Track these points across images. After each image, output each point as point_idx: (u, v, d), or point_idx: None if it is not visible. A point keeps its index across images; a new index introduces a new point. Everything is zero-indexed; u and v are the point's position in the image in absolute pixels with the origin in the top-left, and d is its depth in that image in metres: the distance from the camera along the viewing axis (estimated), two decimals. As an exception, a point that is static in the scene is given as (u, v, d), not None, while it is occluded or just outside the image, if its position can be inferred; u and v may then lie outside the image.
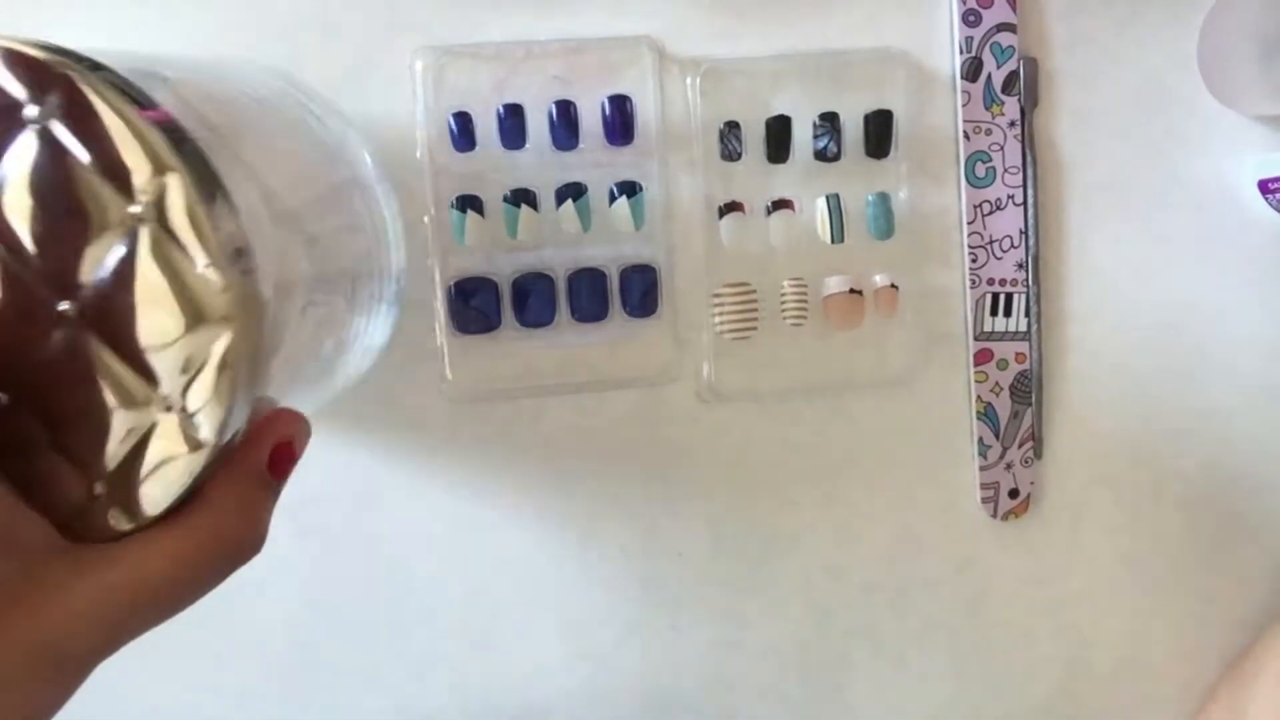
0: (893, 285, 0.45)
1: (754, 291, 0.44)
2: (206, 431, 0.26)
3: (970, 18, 0.45)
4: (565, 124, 0.42)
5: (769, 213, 0.44)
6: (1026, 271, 0.46)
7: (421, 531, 0.45)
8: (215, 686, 0.44)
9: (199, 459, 0.26)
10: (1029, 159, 0.45)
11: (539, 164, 0.43)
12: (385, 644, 0.45)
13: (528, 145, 0.42)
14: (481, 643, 0.45)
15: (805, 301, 0.45)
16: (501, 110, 0.42)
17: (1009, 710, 0.49)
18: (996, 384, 0.46)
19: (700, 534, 0.46)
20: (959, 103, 0.45)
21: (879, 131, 0.44)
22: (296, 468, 0.30)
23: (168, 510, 0.27)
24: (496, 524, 0.45)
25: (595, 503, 0.45)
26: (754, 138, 0.44)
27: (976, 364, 0.46)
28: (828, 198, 0.44)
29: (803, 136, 0.44)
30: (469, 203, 0.42)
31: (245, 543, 0.29)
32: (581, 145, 0.43)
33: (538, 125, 0.42)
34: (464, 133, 0.42)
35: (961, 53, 0.45)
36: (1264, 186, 0.46)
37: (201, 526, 0.28)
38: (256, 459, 0.30)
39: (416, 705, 0.45)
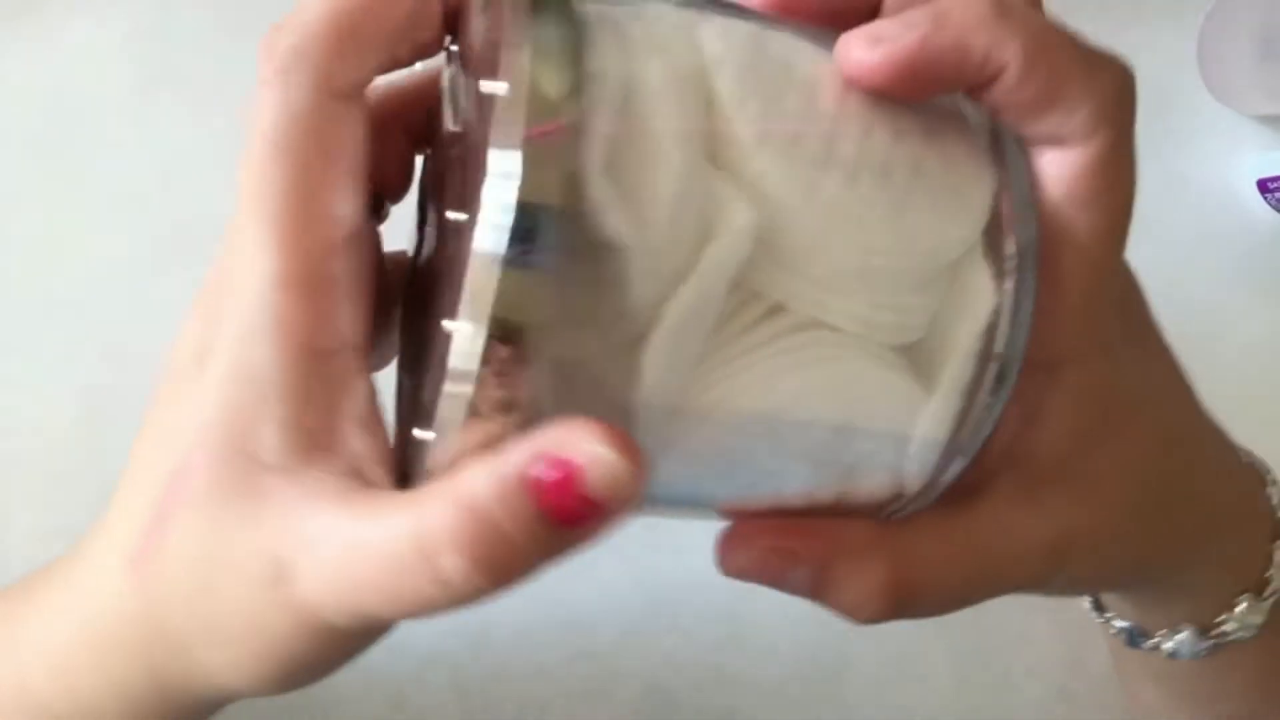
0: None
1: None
2: None
3: None
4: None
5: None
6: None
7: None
8: (215, 686, 0.44)
9: None
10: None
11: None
12: (385, 644, 0.45)
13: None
14: (481, 643, 0.45)
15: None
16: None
17: (1009, 710, 0.48)
18: None
19: (700, 533, 0.46)
20: None
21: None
22: None
23: None
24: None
25: (595, 502, 0.45)
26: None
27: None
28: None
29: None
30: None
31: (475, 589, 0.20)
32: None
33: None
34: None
35: None
36: (1263, 186, 0.46)
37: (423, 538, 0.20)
38: (510, 464, 0.19)
39: (416, 705, 0.45)
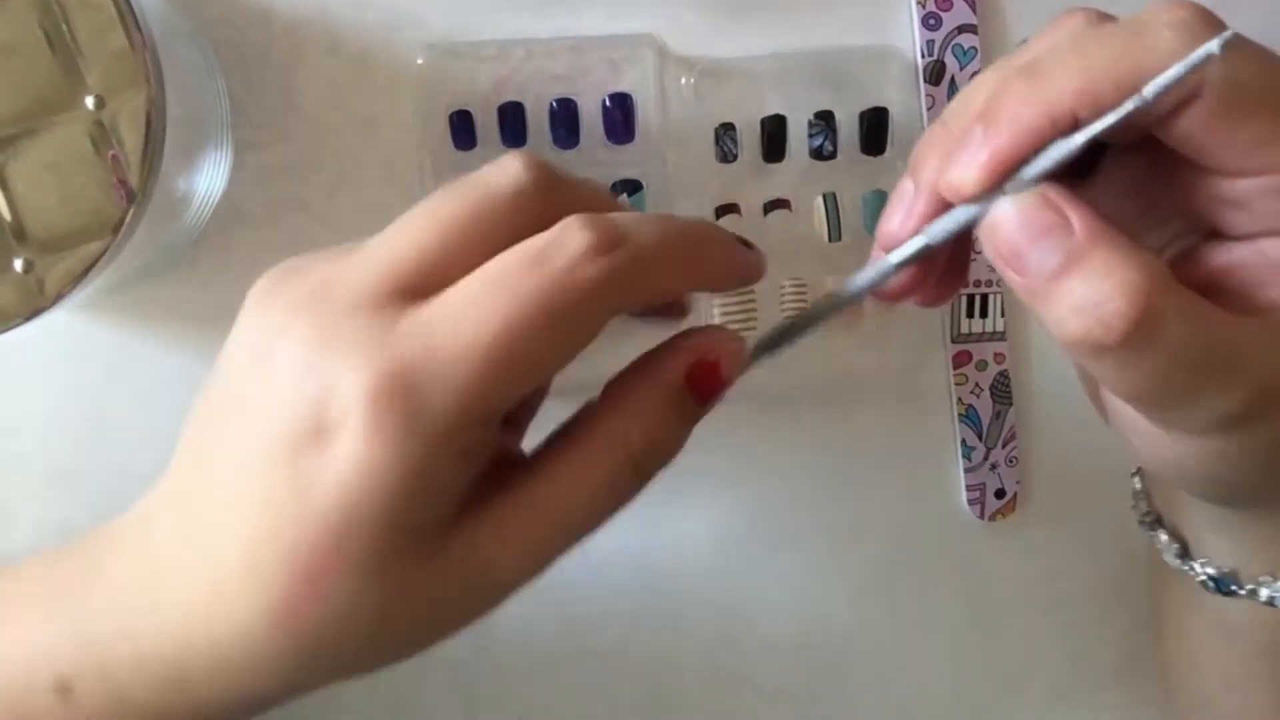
0: (892, 284, 0.45)
1: (753, 292, 0.44)
2: None
3: (930, 21, 0.45)
4: (566, 122, 0.42)
5: (765, 213, 0.44)
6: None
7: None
8: (215, 686, 0.44)
9: None
10: None
11: (539, 163, 0.43)
12: (385, 643, 0.45)
13: (528, 144, 0.43)
14: (482, 643, 0.45)
15: (804, 301, 0.45)
16: (502, 109, 0.42)
17: (1009, 710, 0.48)
18: (976, 385, 0.46)
19: (700, 533, 0.46)
20: (923, 106, 0.45)
21: (875, 129, 0.44)
22: None
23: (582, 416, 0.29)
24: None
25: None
26: (749, 138, 0.44)
27: (955, 366, 0.46)
28: (824, 196, 0.44)
29: (798, 135, 0.44)
30: (469, 202, 0.42)
31: (648, 458, 0.28)
32: (582, 144, 0.43)
33: (538, 124, 0.43)
34: (464, 131, 0.42)
35: (924, 56, 0.45)
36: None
37: (609, 436, 0.28)
38: (669, 368, 0.28)
39: (416, 705, 0.45)
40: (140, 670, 0.28)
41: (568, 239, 0.26)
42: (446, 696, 0.45)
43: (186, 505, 0.28)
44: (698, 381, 0.29)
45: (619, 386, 0.29)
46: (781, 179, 0.45)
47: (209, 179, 0.40)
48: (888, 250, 0.29)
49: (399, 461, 0.25)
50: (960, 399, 0.46)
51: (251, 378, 0.27)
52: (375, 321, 0.26)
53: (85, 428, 0.42)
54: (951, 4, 0.45)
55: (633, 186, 0.43)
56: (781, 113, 0.44)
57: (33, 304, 0.32)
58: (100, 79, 0.32)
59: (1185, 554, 0.34)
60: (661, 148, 0.44)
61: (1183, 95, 0.25)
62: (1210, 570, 0.33)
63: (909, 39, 0.45)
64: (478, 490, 0.27)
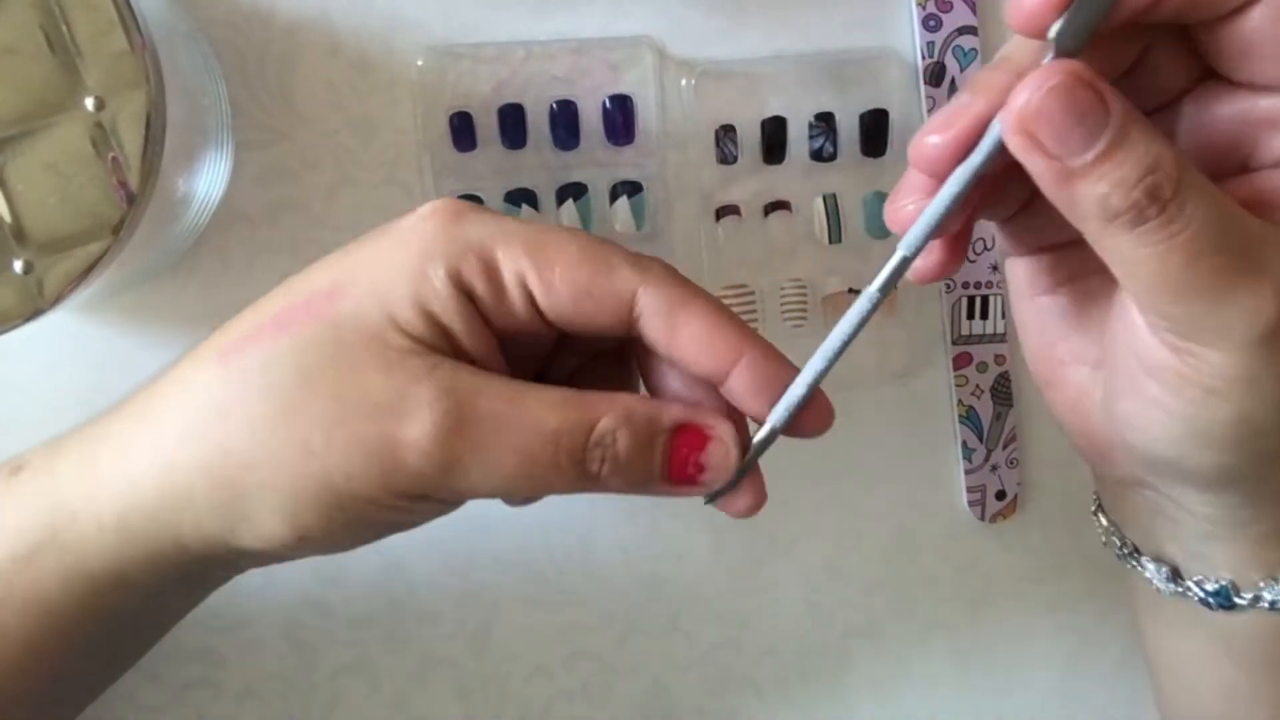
0: (892, 285, 0.45)
1: (753, 293, 0.44)
2: None
3: (930, 22, 0.45)
4: (566, 124, 0.42)
5: (766, 214, 0.44)
6: (1001, 273, 0.46)
7: (422, 532, 0.45)
8: (215, 686, 0.44)
9: None
10: None
11: (539, 164, 0.43)
12: (386, 643, 0.45)
13: (528, 145, 0.43)
14: (481, 643, 0.45)
15: (805, 302, 0.45)
16: (502, 111, 0.42)
17: (1009, 710, 0.48)
18: (977, 387, 0.46)
19: (700, 534, 0.46)
20: (924, 108, 0.45)
21: (875, 131, 0.44)
22: None
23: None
24: (497, 524, 0.45)
25: (596, 503, 0.45)
26: (750, 140, 0.44)
27: (956, 368, 0.46)
28: (824, 198, 0.44)
29: (798, 137, 0.44)
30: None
31: (570, 472, 0.29)
32: (582, 145, 0.43)
33: (538, 125, 0.43)
34: (464, 133, 0.42)
35: (924, 58, 0.45)
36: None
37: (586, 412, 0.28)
38: (670, 413, 0.29)
39: (416, 705, 0.45)
40: (79, 452, 0.30)
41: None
42: (446, 696, 0.45)
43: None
44: (681, 444, 0.29)
45: (623, 393, 0.30)
46: (781, 180, 0.45)
47: (209, 180, 0.40)
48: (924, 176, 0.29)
49: (419, 246, 0.28)
50: (961, 400, 0.46)
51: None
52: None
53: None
54: (952, 5, 0.45)
55: (633, 188, 0.43)
56: (782, 114, 0.44)
57: (32, 305, 0.32)
58: (100, 80, 0.32)
59: (1176, 576, 0.34)
60: (661, 149, 0.44)
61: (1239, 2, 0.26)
62: (1208, 587, 0.33)
63: (909, 40, 0.45)
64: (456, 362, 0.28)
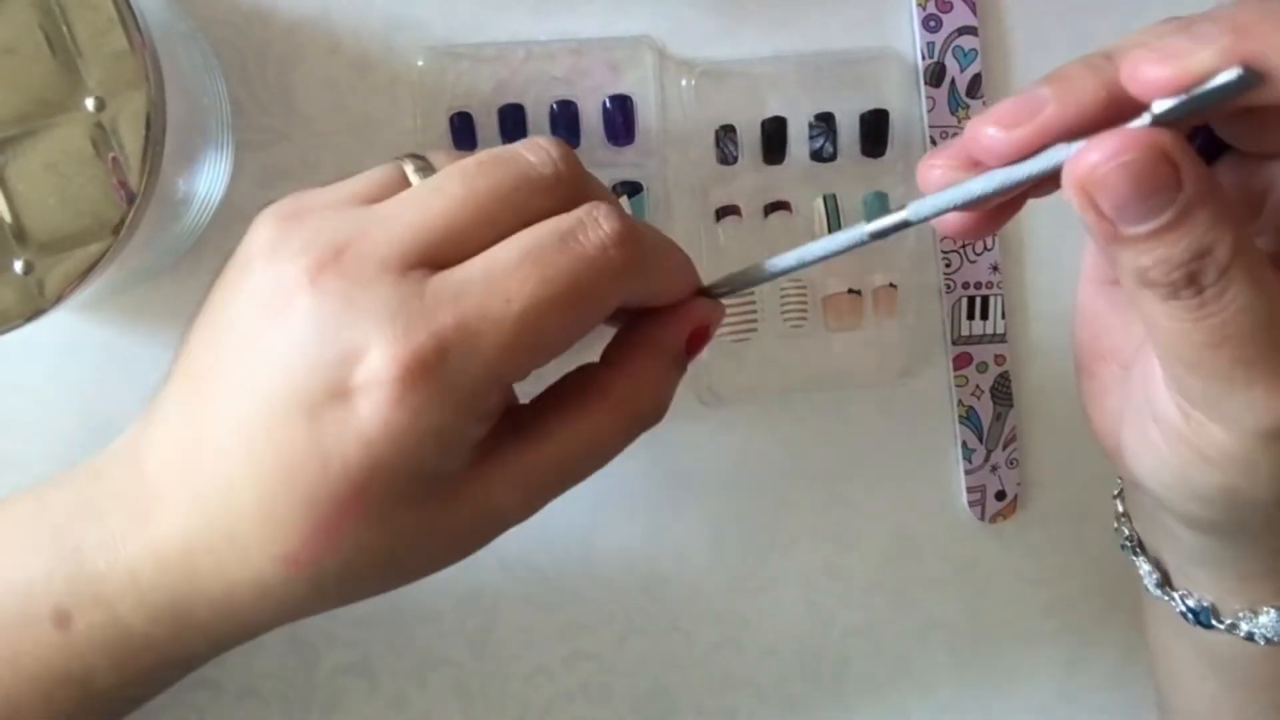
0: (891, 285, 0.45)
1: (753, 293, 0.44)
2: None
3: (930, 23, 0.45)
4: (566, 124, 0.42)
5: (766, 214, 0.44)
6: (1001, 273, 0.46)
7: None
8: (215, 686, 0.44)
9: None
10: None
11: (539, 164, 0.43)
12: (386, 643, 0.45)
13: (529, 146, 0.43)
14: (482, 643, 0.45)
15: (805, 302, 0.45)
16: (502, 111, 0.42)
17: (1009, 710, 0.48)
18: (977, 387, 0.46)
19: (700, 534, 0.46)
20: (924, 108, 0.45)
21: (875, 131, 0.44)
22: None
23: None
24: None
25: (596, 502, 0.45)
26: (750, 140, 0.44)
27: (956, 368, 0.46)
28: (825, 198, 0.44)
29: (798, 137, 0.44)
30: (469, 203, 0.42)
31: (650, 416, 0.31)
32: (582, 145, 0.43)
33: (538, 125, 0.43)
34: (464, 133, 0.42)
35: (924, 58, 0.45)
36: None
37: (620, 396, 0.31)
38: (675, 336, 0.32)
39: (416, 705, 0.45)
40: (141, 604, 0.29)
41: (597, 223, 0.28)
42: (446, 696, 0.45)
43: (184, 441, 0.29)
44: (692, 345, 0.32)
45: (624, 351, 0.31)
46: (782, 181, 0.45)
47: (209, 180, 0.40)
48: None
49: (425, 425, 0.27)
50: (961, 401, 0.46)
51: (266, 324, 0.28)
52: (403, 288, 0.27)
53: (85, 428, 0.42)
54: (952, 6, 0.45)
55: (633, 188, 0.43)
56: (782, 114, 0.44)
57: (33, 305, 0.32)
58: (100, 80, 0.32)
59: (1166, 583, 0.34)
60: (661, 149, 0.44)
61: None
62: (1190, 602, 0.33)
63: (909, 41, 0.45)
64: (488, 437, 0.29)
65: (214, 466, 0.28)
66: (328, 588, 0.29)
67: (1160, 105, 0.24)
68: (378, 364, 0.26)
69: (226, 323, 0.29)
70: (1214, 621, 0.32)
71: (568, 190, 0.29)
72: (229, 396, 0.28)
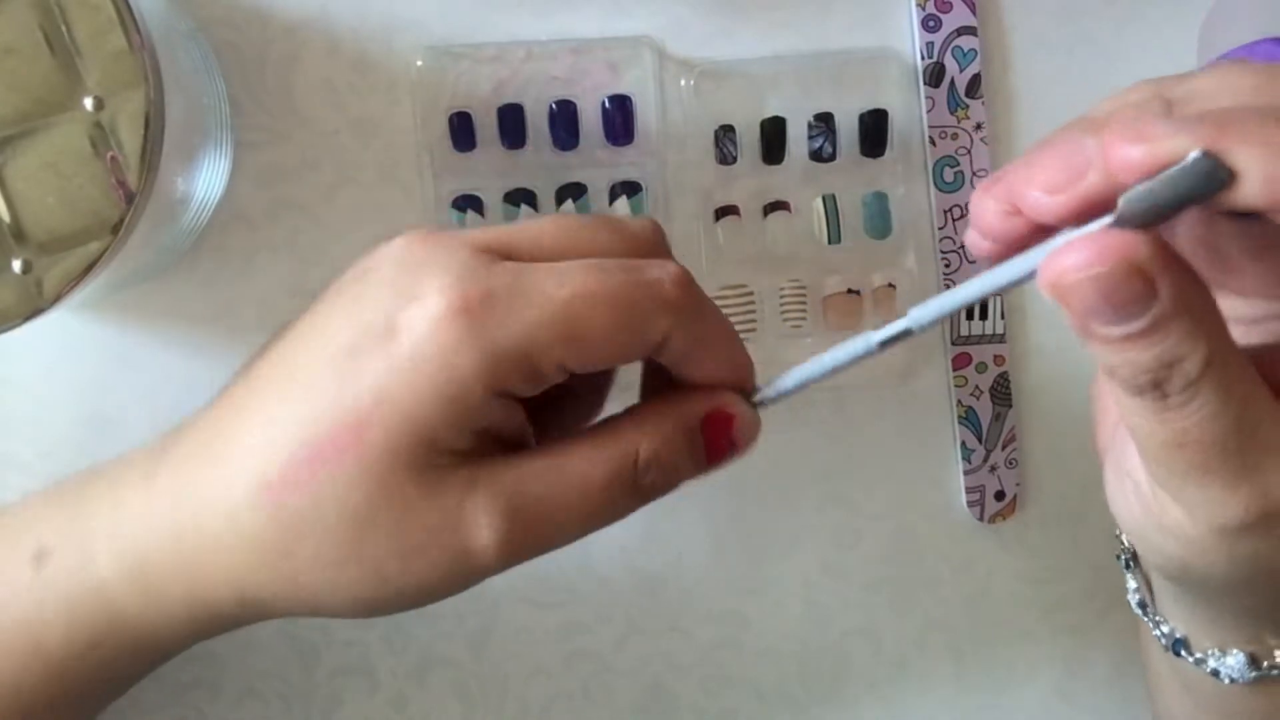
0: (890, 285, 0.45)
1: (752, 294, 0.44)
2: None
3: (930, 23, 0.45)
4: (565, 124, 0.42)
5: (765, 214, 0.44)
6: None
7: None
8: (215, 686, 0.44)
9: None
10: None
11: (539, 164, 0.43)
12: (386, 644, 0.45)
13: (528, 145, 0.43)
14: (482, 643, 0.45)
15: (804, 302, 0.45)
16: (501, 110, 0.42)
17: (1009, 710, 0.48)
18: (976, 387, 0.46)
19: (700, 534, 0.46)
20: (923, 109, 0.45)
21: (874, 131, 0.44)
22: None
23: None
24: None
25: (595, 502, 0.45)
26: (749, 140, 0.44)
27: (955, 369, 0.46)
28: (824, 198, 0.44)
29: (798, 137, 0.44)
30: (469, 203, 0.42)
31: (643, 472, 0.30)
32: (582, 145, 0.43)
33: (538, 125, 0.43)
34: (464, 133, 0.42)
35: (923, 58, 0.45)
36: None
37: (616, 435, 0.30)
38: (695, 406, 0.31)
39: (416, 705, 0.45)
40: (112, 545, 0.30)
41: (663, 265, 0.29)
42: (446, 696, 0.45)
43: (224, 410, 0.30)
44: (711, 429, 0.31)
45: (639, 408, 0.31)
46: (781, 181, 0.45)
47: (208, 179, 0.40)
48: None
49: (448, 368, 0.27)
50: (960, 401, 0.46)
51: (340, 294, 0.29)
52: (474, 259, 0.28)
53: (85, 428, 0.42)
54: (951, 6, 0.45)
55: (632, 188, 0.43)
56: (781, 114, 0.44)
57: (32, 304, 0.32)
58: (99, 80, 0.32)
59: (1147, 605, 0.34)
60: (661, 149, 0.44)
61: None
62: (1164, 629, 0.33)
63: (908, 41, 0.45)
64: (487, 454, 0.29)
65: (243, 403, 0.30)
66: (290, 538, 0.28)
67: (1123, 197, 0.23)
68: (429, 304, 0.27)
69: (310, 310, 0.30)
70: (1184, 654, 0.32)
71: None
72: (282, 364, 0.29)
